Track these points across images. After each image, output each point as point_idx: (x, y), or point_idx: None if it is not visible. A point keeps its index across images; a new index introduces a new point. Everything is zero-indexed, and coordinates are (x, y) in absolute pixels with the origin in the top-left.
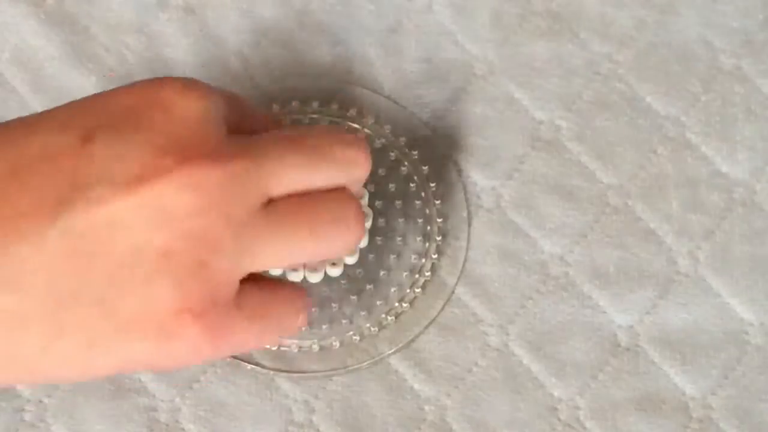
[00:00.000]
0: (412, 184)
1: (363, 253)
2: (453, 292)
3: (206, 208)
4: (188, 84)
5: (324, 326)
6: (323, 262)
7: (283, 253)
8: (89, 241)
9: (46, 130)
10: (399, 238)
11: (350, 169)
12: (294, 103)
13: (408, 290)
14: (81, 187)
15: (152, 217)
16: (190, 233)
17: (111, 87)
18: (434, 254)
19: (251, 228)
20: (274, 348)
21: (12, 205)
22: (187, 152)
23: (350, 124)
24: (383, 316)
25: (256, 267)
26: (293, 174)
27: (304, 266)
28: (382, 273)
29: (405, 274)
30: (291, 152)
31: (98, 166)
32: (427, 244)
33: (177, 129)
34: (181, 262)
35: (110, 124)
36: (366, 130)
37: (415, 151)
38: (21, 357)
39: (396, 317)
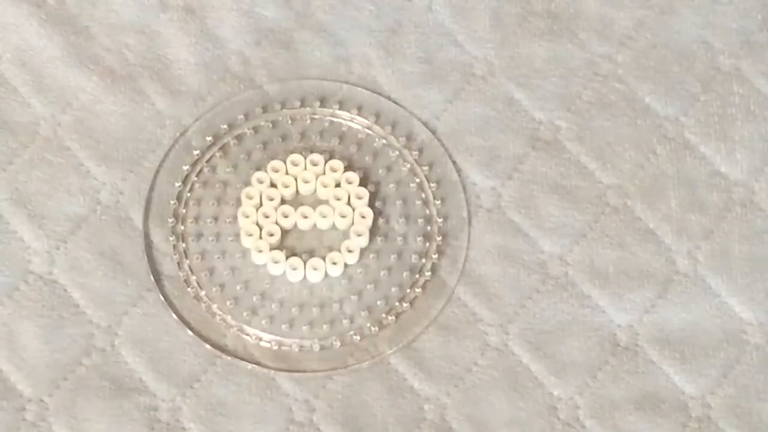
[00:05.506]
0: (412, 184)
1: (363, 253)
2: (453, 292)
3: None
4: None
5: (324, 326)
6: (323, 262)
7: None
8: None
9: None
10: (399, 238)
11: None
12: (294, 103)
13: (408, 290)
14: None
15: None
16: None
17: (111, 86)
18: (434, 254)
19: None
20: (275, 347)
21: None
22: None
23: (350, 124)
24: (383, 315)
25: None
26: None
27: (305, 266)
28: (382, 273)
29: (405, 274)
30: None
31: None
32: (427, 244)
33: None
34: None
35: None
36: (366, 130)
37: (415, 151)
38: None
39: (396, 317)
